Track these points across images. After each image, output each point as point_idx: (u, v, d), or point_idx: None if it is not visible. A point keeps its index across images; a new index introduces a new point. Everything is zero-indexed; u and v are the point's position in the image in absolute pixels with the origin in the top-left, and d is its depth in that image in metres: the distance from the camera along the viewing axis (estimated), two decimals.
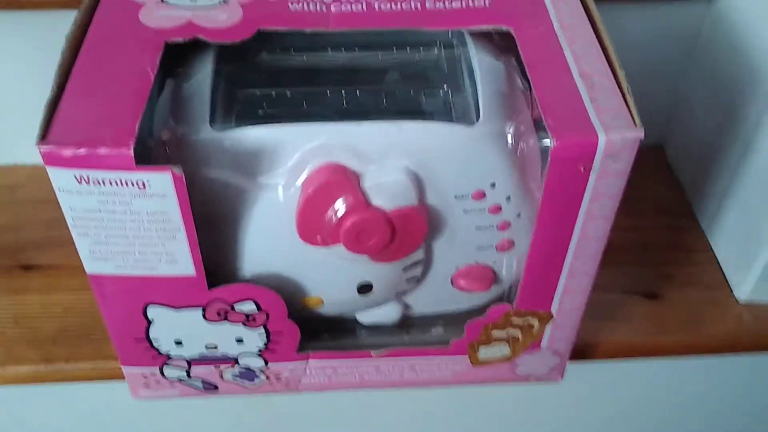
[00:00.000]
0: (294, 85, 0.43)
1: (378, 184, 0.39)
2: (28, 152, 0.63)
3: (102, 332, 0.51)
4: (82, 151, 0.33)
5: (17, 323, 0.52)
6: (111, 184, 0.35)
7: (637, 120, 0.36)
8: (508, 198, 0.42)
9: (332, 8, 0.42)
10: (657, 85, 0.64)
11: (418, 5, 0.43)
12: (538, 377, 0.49)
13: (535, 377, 0.49)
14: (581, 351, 0.52)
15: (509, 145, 0.40)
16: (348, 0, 0.43)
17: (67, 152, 0.33)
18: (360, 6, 0.43)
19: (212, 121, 0.39)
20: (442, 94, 0.43)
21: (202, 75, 0.41)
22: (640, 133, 0.35)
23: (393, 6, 0.43)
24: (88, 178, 0.34)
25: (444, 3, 0.43)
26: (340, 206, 0.39)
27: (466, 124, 0.40)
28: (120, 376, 0.48)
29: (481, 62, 0.43)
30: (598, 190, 0.37)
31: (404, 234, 0.40)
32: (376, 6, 0.43)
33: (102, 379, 0.51)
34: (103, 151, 0.33)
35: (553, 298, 0.43)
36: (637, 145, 0.36)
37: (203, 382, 0.47)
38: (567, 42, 0.40)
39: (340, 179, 0.39)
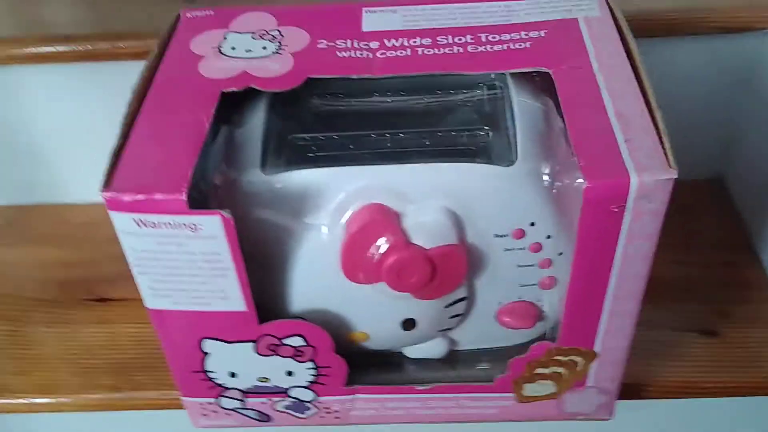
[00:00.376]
0: (341, 129, 0.45)
1: (418, 223, 0.41)
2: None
3: (165, 362, 0.54)
4: (140, 197, 0.36)
5: (91, 353, 0.56)
6: (166, 227, 0.37)
7: (672, 160, 0.36)
8: (549, 236, 0.42)
9: (378, 54, 0.45)
10: (714, 117, 0.63)
11: (461, 49, 0.45)
12: (587, 415, 0.49)
13: (583, 415, 0.49)
14: (634, 388, 0.52)
15: (547, 184, 0.41)
16: (393, 46, 0.45)
17: (127, 198, 0.37)
18: (404, 51, 0.45)
19: (263, 166, 0.42)
20: (482, 135, 0.44)
21: (255, 121, 0.44)
22: (674, 174, 0.36)
23: (436, 51, 0.45)
24: (146, 222, 0.37)
25: (486, 46, 0.45)
26: (381, 245, 0.40)
27: (503, 165, 0.41)
28: (182, 406, 0.50)
29: (520, 103, 0.44)
30: (633, 230, 0.38)
31: (445, 272, 0.41)
32: (420, 51, 0.45)
33: (166, 408, 0.54)
34: (158, 196, 0.36)
35: (595, 336, 0.44)
36: (671, 186, 0.36)
37: (257, 412, 0.49)
38: (605, 82, 0.41)
39: (381, 219, 0.40)
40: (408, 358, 0.49)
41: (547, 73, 0.42)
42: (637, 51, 0.43)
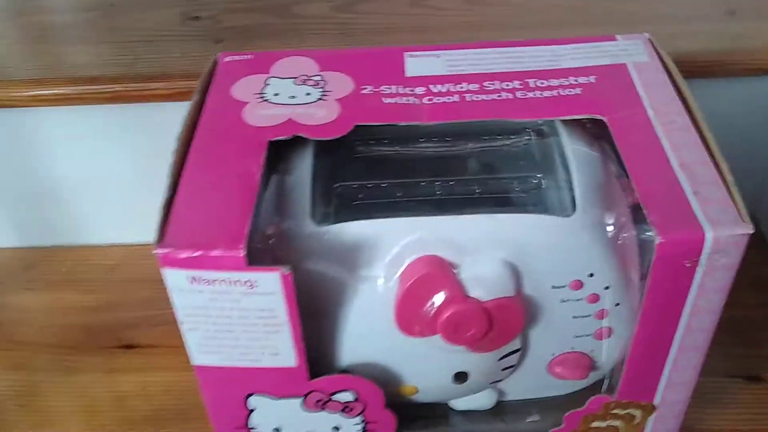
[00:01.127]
0: (389, 176, 0.44)
1: (475, 275, 0.39)
2: (123, 233, 0.66)
3: (197, 413, 0.52)
4: (197, 253, 0.35)
5: (117, 402, 0.54)
6: (222, 283, 0.36)
7: (745, 214, 0.35)
8: (607, 287, 0.41)
9: (424, 100, 0.44)
10: (749, 159, 0.63)
11: (510, 95, 0.44)
12: None
13: None
14: None
15: (607, 235, 0.40)
16: (439, 92, 0.44)
17: (183, 255, 0.35)
18: (452, 97, 0.44)
19: (313, 215, 0.41)
20: (534, 183, 0.43)
21: (302, 169, 0.43)
22: (749, 229, 0.35)
23: (485, 97, 0.44)
24: (201, 279, 0.36)
25: (535, 92, 0.44)
26: (438, 298, 0.39)
27: (562, 216, 0.40)
28: None
29: (574, 151, 0.43)
30: (704, 285, 0.37)
31: (501, 324, 0.40)
32: (468, 97, 0.44)
33: None
34: (216, 253, 0.35)
35: (656, 389, 0.42)
36: (746, 241, 0.35)
37: None
38: (663, 130, 0.40)
39: (437, 271, 0.39)
40: (454, 410, 0.48)
41: (599, 120, 0.42)
42: (692, 97, 0.42)
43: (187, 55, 0.57)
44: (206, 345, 0.39)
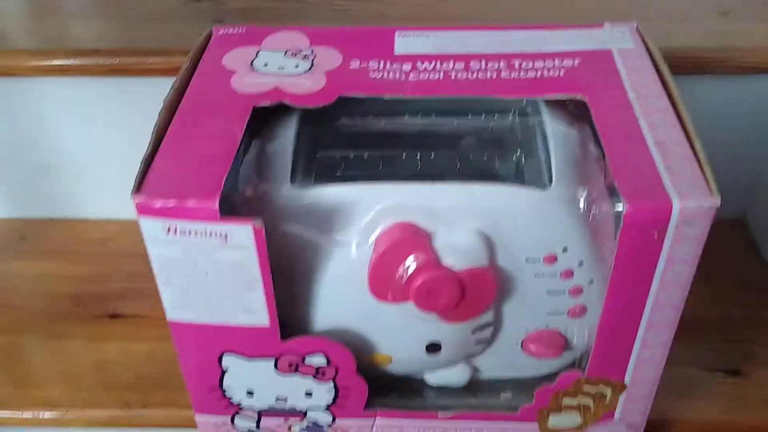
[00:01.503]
0: (371, 148, 0.45)
1: (449, 244, 0.40)
2: (117, 208, 0.67)
3: (178, 381, 0.53)
4: (172, 202, 0.36)
5: (99, 369, 0.55)
6: (196, 234, 0.37)
7: (714, 188, 0.36)
8: (581, 263, 0.41)
9: (410, 77, 0.44)
10: (737, 158, 0.63)
11: (494, 74, 0.44)
12: None
13: None
14: (658, 427, 0.50)
15: (582, 210, 0.41)
16: (426, 69, 0.45)
17: (158, 203, 0.36)
18: (437, 75, 0.45)
19: (293, 180, 0.41)
20: (515, 159, 0.44)
21: (286, 137, 0.44)
22: (716, 201, 0.35)
23: (469, 75, 0.45)
24: (176, 229, 0.37)
25: (519, 72, 0.44)
26: (411, 264, 0.39)
27: (538, 188, 0.40)
28: (193, 425, 0.49)
29: (554, 129, 0.43)
30: (672, 256, 0.37)
31: (474, 294, 0.41)
32: (453, 75, 0.45)
33: (176, 427, 0.52)
34: (191, 203, 0.36)
35: (626, 367, 0.42)
36: (713, 214, 0.35)
37: None
38: (641, 111, 0.41)
39: (411, 237, 0.40)
40: (429, 385, 0.48)
41: (581, 102, 0.42)
42: (672, 82, 0.43)
43: (187, 33, 0.59)
44: (181, 300, 0.40)
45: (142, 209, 0.36)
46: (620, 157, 0.38)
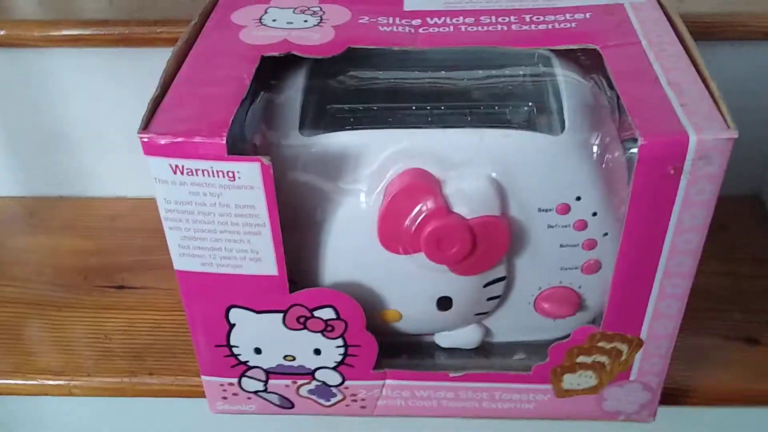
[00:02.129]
0: (381, 101, 0.44)
1: (460, 190, 0.39)
2: (128, 185, 0.67)
3: (185, 348, 0.52)
4: (179, 139, 0.35)
5: (106, 338, 0.54)
6: (203, 174, 0.36)
7: (731, 122, 0.35)
8: (594, 214, 0.41)
9: (420, 30, 0.44)
10: (752, 130, 0.62)
11: (505, 28, 0.44)
12: (628, 415, 0.46)
13: (624, 414, 0.46)
14: (676, 395, 0.49)
15: (595, 156, 0.40)
16: (435, 23, 0.45)
17: (165, 140, 0.35)
18: (447, 29, 0.44)
19: (301, 128, 0.41)
20: (526, 110, 0.43)
21: (295, 89, 0.43)
22: (733, 134, 0.34)
23: (480, 29, 0.44)
24: (183, 168, 0.36)
25: (530, 26, 0.44)
26: (421, 212, 0.39)
27: (551, 134, 0.40)
28: (199, 394, 0.48)
29: (566, 80, 0.43)
30: (689, 196, 0.36)
31: (486, 244, 0.40)
32: (463, 29, 0.44)
33: (182, 396, 0.51)
34: (197, 139, 0.35)
35: (642, 321, 0.41)
36: (730, 147, 0.34)
37: (280, 397, 0.46)
38: (655, 56, 0.40)
39: (421, 183, 0.39)
40: (440, 348, 0.47)
41: (594, 55, 0.42)
42: (686, 30, 0.42)
43: (197, 2, 0.58)
44: (187, 246, 0.39)
45: (149, 148, 0.36)
46: (634, 97, 0.37)
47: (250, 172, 0.36)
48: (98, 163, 0.66)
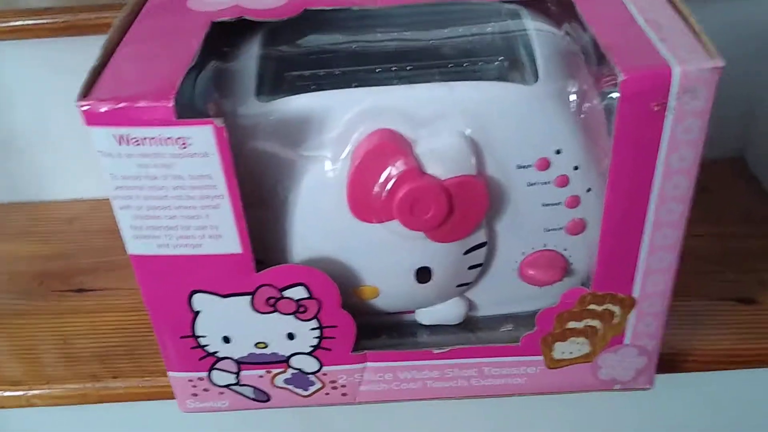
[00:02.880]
0: (343, 65, 0.41)
1: (432, 149, 0.37)
2: (85, 186, 0.64)
3: (147, 350, 0.49)
4: (122, 105, 0.32)
5: (65, 344, 0.51)
6: (150, 143, 0.33)
7: (714, 53, 0.33)
8: (576, 168, 0.38)
9: None
10: (734, 91, 0.60)
11: None
12: (625, 383, 0.44)
13: (620, 383, 0.44)
14: (672, 360, 0.47)
15: (572, 106, 0.37)
16: None
17: (106, 107, 0.32)
18: None
19: (258, 94, 0.38)
20: (497, 65, 0.41)
21: (249, 55, 0.40)
22: (719, 63, 0.32)
23: None
24: (128, 137, 0.33)
25: None
26: (392, 175, 0.36)
27: (524, 84, 0.37)
28: (168, 395, 0.45)
29: (537, 31, 0.40)
30: (676, 135, 0.34)
31: (463, 207, 0.37)
32: None
33: (149, 399, 0.48)
34: (142, 104, 0.32)
35: (633, 278, 0.39)
36: (716, 78, 0.32)
37: (254, 389, 0.43)
38: None
39: (390, 144, 0.36)
40: (422, 326, 0.44)
41: (564, 2, 0.39)
42: None
43: None
44: (140, 227, 0.36)
45: (90, 117, 0.33)
46: (611, 37, 0.35)
47: (202, 136, 0.33)
48: (51, 165, 0.63)
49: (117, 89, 0.33)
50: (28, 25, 0.54)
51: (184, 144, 0.33)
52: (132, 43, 0.37)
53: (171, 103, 0.32)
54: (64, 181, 0.64)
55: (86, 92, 0.33)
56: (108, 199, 0.36)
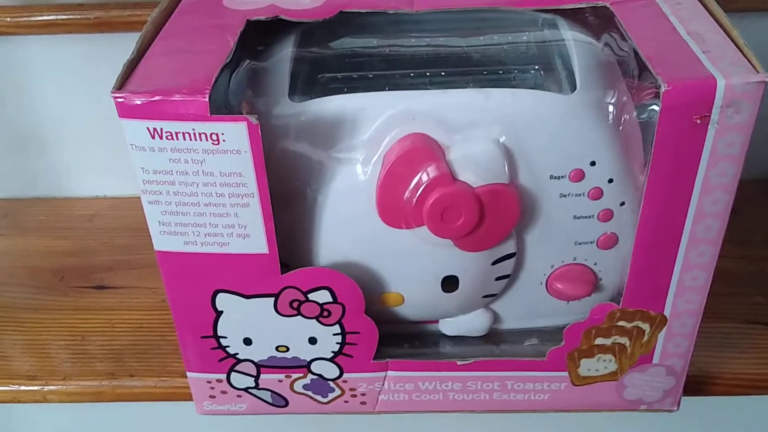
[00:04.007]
0: (376, 69, 0.41)
1: (465, 156, 0.36)
2: (107, 184, 0.64)
3: (164, 349, 0.49)
4: (157, 98, 0.32)
5: (84, 340, 0.50)
6: (184, 137, 0.33)
7: (759, 66, 0.32)
8: (611, 180, 0.38)
9: None
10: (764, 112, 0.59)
11: None
12: (650, 404, 0.43)
13: (646, 404, 0.43)
14: (699, 382, 0.46)
15: (610, 118, 0.37)
16: None
17: (141, 100, 0.32)
18: None
19: (291, 94, 0.38)
20: (533, 73, 0.40)
21: (283, 55, 0.40)
22: (764, 77, 0.31)
23: None
24: (161, 131, 0.33)
25: None
26: (423, 180, 0.36)
27: (561, 93, 0.37)
28: (185, 396, 0.44)
29: (575, 41, 0.40)
30: (717, 150, 0.33)
31: (494, 215, 0.37)
32: None
33: (166, 400, 0.47)
34: (177, 97, 0.32)
35: (666, 296, 0.38)
36: (761, 92, 0.32)
37: (272, 394, 0.43)
38: (670, 9, 0.37)
39: (423, 149, 0.36)
40: (445, 336, 0.44)
41: (603, 12, 0.39)
42: None
43: None
44: (168, 223, 0.36)
45: (124, 109, 0.33)
46: (652, 48, 0.34)
47: (236, 133, 0.33)
48: (75, 161, 0.63)
49: (152, 83, 0.33)
50: (60, 19, 0.54)
51: (216, 140, 0.33)
52: (167, 38, 0.37)
53: (206, 98, 0.32)
54: (85, 178, 0.64)
55: (121, 84, 0.33)
56: (128, 198, 0.36)
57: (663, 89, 0.31)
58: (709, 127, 0.32)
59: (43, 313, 0.52)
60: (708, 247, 0.36)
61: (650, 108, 0.35)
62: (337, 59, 0.42)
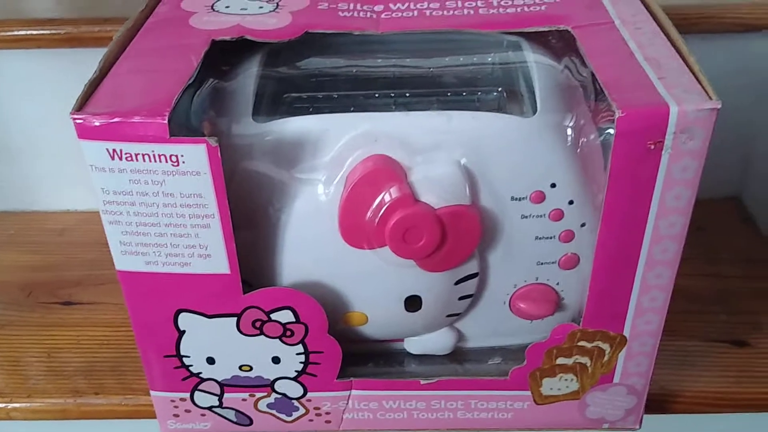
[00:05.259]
0: (341, 89, 0.41)
1: (427, 177, 0.36)
2: (76, 197, 0.63)
3: (133, 366, 0.48)
4: (116, 119, 0.32)
5: (49, 357, 0.50)
6: (143, 159, 0.33)
7: (712, 93, 0.33)
8: (571, 202, 0.38)
9: (383, 15, 0.42)
10: (731, 131, 0.60)
11: (471, 12, 0.42)
12: (613, 422, 0.43)
13: (609, 422, 0.43)
14: (661, 400, 0.46)
15: (569, 140, 0.37)
16: (399, 9, 0.42)
17: (100, 121, 0.32)
18: (411, 13, 0.42)
19: (255, 115, 0.38)
20: (496, 95, 0.41)
21: (248, 75, 0.40)
22: (716, 104, 0.32)
23: (445, 13, 0.42)
24: (121, 152, 0.33)
25: (498, 9, 0.42)
26: (385, 201, 0.36)
27: (522, 116, 0.37)
28: (149, 414, 0.44)
29: (537, 63, 0.40)
30: (672, 174, 0.33)
31: (456, 236, 0.37)
32: (428, 13, 0.42)
33: (131, 417, 0.47)
34: (136, 119, 0.32)
35: (625, 316, 0.39)
36: (714, 119, 0.32)
37: (236, 412, 0.43)
38: (630, 34, 0.38)
39: (385, 170, 0.36)
40: (410, 355, 0.44)
41: (566, 36, 0.39)
42: (660, 10, 0.40)
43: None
44: (129, 243, 0.36)
45: (83, 130, 0.33)
46: (610, 73, 0.35)
47: (195, 155, 0.33)
48: (47, 175, 0.63)
49: (112, 103, 0.33)
50: (31, 35, 0.55)
51: (176, 161, 0.33)
52: (131, 57, 0.37)
53: (165, 120, 0.32)
54: (55, 192, 0.64)
55: (81, 105, 0.33)
56: (99, 212, 0.36)
57: (617, 115, 0.32)
58: (663, 152, 0.33)
59: (9, 330, 0.52)
60: (665, 268, 0.37)
61: (606, 131, 0.36)
62: (302, 79, 0.42)
